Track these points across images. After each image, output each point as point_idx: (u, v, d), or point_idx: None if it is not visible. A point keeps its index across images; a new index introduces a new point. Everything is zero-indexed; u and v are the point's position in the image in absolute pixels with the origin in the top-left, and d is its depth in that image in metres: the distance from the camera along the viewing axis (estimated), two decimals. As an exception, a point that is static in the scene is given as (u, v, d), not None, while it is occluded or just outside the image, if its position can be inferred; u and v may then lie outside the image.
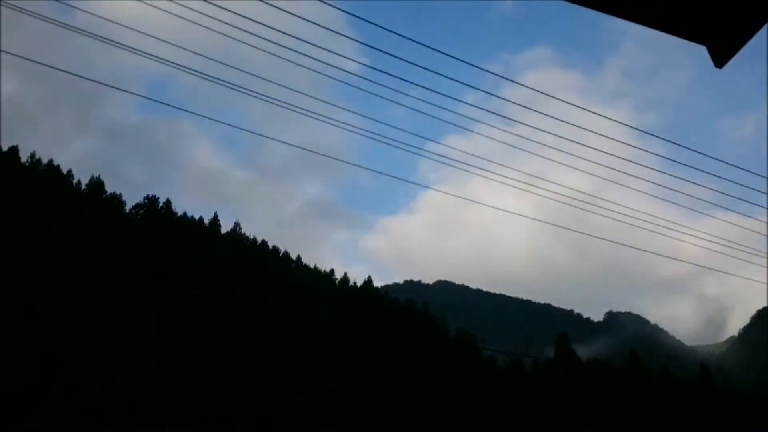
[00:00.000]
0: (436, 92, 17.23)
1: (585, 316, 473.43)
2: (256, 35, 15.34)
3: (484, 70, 18.43)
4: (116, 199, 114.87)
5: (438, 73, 15.50)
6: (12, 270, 72.30)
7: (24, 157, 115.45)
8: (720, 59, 2.87)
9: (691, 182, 22.10)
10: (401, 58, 14.79)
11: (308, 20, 13.99)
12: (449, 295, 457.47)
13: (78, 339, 68.09)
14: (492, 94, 17.88)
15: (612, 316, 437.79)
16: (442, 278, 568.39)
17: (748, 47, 2.89)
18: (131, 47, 15.61)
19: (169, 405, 67.76)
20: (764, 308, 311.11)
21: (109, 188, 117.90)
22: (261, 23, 15.07)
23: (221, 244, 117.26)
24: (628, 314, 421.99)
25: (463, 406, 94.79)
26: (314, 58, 16.37)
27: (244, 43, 15.25)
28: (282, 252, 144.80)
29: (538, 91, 17.03)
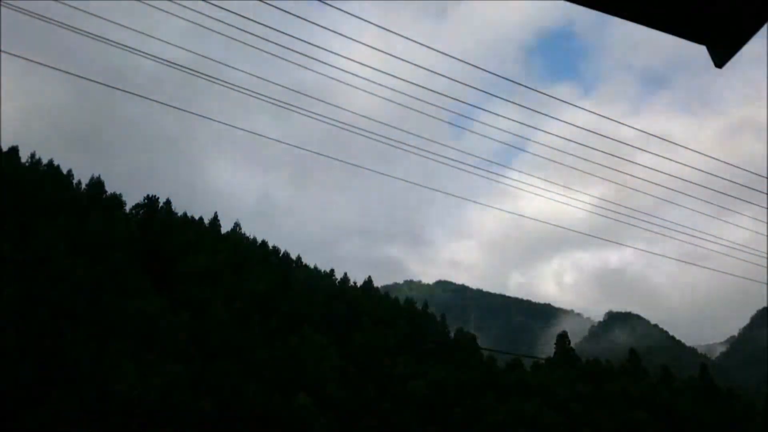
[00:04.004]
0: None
1: (585, 316, 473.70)
2: (255, 34, 15.34)
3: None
4: (116, 199, 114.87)
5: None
6: (12, 270, 72.28)
7: (24, 157, 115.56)
8: (720, 59, 2.87)
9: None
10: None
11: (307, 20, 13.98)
12: (449, 295, 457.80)
13: (78, 339, 68.07)
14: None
15: (612, 316, 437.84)
16: (442, 278, 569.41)
17: (748, 47, 2.90)
18: (131, 47, 15.62)
19: (169, 405, 67.74)
20: (764, 308, 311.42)
21: (110, 188, 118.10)
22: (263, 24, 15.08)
23: (221, 244, 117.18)
24: (628, 314, 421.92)
25: (463, 407, 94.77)
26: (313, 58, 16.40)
27: (245, 43, 15.27)
28: (282, 252, 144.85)
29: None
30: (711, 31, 2.76)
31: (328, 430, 79.23)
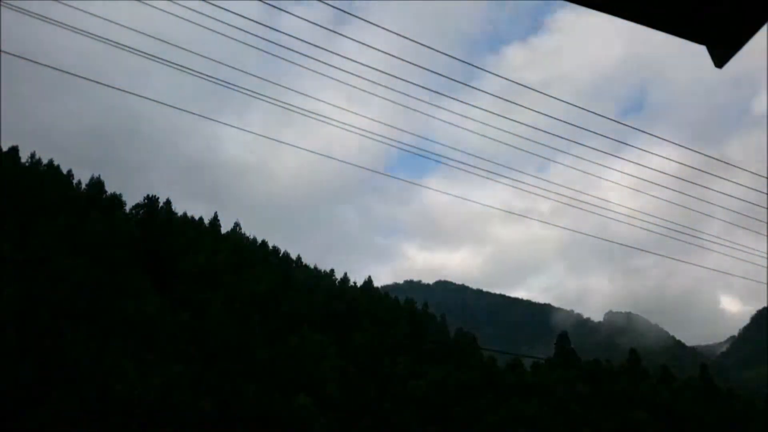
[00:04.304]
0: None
1: (585, 316, 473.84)
2: (257, 35, 15.35)
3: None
4: (116, 199, 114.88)
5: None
6: (12, 270, 72.30)
7: (24, 157, 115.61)
8: (720, 59, 2.87)
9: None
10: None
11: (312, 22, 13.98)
12: (449, 295, 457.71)
13: (78, 339, 68.09)
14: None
15: (612, 316, 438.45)
16: (442, 278, 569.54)
17: (748, 47, 2.90)
18: (131, 47, 15.61)
19: (169, 405, 67.76)
20: (764, 308, 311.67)
21: (110, 188, 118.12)
22: (267, 25, 15.10)
23: (221, 244, 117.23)
24: (628, 314, 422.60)
25: (463, 407, 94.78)
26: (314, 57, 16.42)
27: (245, 44, 15.27)
28: (282, 252, 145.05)
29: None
30: (711, 31, 2.76)
31: (328, 430, 79.24)
